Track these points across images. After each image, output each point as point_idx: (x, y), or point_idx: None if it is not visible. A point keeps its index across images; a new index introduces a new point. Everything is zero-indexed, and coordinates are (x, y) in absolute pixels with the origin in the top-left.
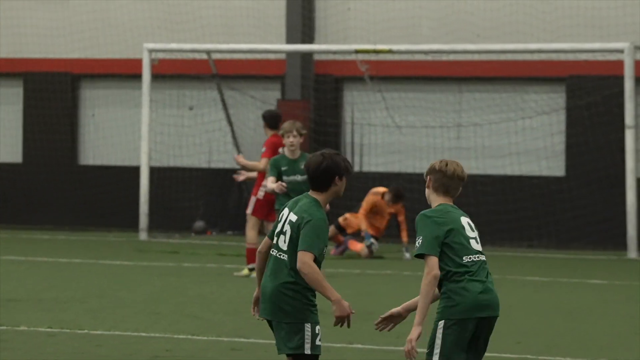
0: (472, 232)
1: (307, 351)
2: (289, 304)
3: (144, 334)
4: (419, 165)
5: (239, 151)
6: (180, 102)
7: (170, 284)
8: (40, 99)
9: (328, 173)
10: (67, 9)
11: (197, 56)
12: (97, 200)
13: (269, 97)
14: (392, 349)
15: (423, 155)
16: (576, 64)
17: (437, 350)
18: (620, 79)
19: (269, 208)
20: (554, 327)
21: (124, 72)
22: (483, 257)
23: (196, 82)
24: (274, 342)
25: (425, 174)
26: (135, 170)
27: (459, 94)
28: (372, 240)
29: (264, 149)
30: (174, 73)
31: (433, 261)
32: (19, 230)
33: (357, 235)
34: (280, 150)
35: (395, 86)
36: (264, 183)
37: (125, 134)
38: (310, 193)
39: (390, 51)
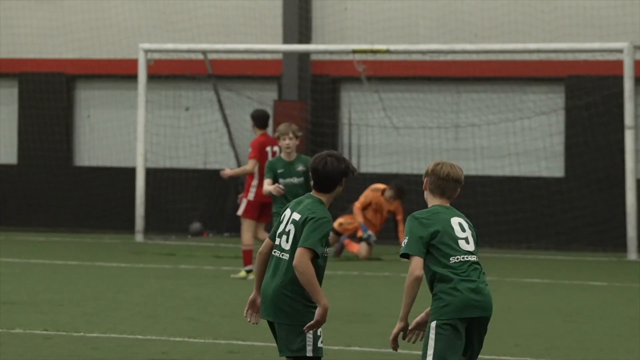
0: (462, 233)
1: (309, 353)
2: (291, 306)
3: (140, 337)
4: (416, 166)
5: (235, 152)
6: (176, 103)
7: (166, 286)
8: (35, 99)
9: (335, 175)
10: (62, 10)
11: (193, 56)
12: (92, 202)
13: (266, 97)
14: (390, 351)
15: (421, 156)
16: (575, 64)
17: (430, 352)
18: (619, 79)
19: (261, 209)
20: (554, 329)
21: (119, 73)
22: (473, 258)
23: (192, 82)
24: (271, 344)
25: (423, 176)
26: (131, 171)
27: (457, 94)
28: (370, 232)
29: (250, 150)
30: (169, 73)
31: (416, 261)
32: (14, 232)
33: (354, 237)
34: (267, 149)
35: (393, 86)
36: (253, 184)
37: (121, 134)
38: (313, 193)
39: (387, 51)
